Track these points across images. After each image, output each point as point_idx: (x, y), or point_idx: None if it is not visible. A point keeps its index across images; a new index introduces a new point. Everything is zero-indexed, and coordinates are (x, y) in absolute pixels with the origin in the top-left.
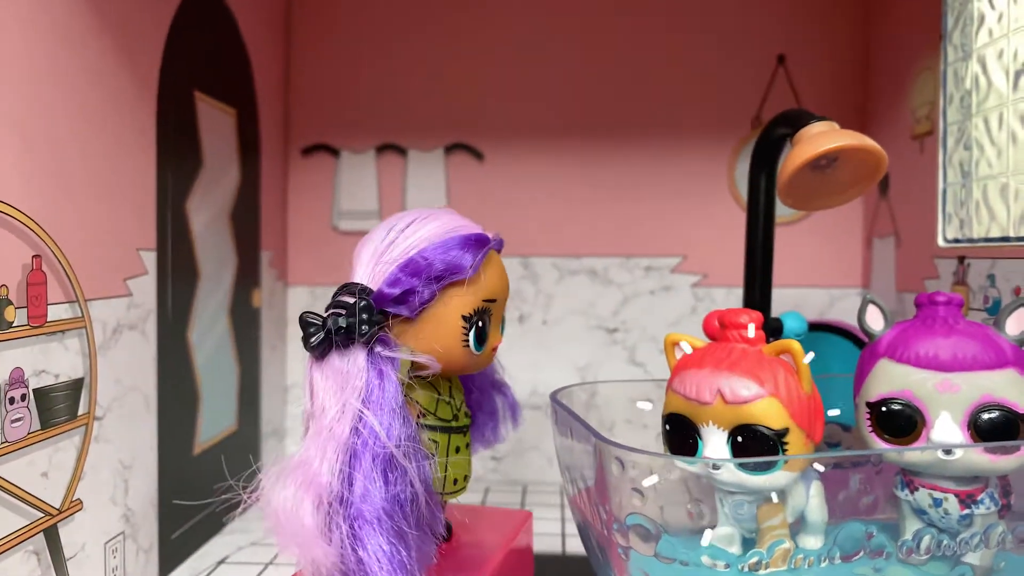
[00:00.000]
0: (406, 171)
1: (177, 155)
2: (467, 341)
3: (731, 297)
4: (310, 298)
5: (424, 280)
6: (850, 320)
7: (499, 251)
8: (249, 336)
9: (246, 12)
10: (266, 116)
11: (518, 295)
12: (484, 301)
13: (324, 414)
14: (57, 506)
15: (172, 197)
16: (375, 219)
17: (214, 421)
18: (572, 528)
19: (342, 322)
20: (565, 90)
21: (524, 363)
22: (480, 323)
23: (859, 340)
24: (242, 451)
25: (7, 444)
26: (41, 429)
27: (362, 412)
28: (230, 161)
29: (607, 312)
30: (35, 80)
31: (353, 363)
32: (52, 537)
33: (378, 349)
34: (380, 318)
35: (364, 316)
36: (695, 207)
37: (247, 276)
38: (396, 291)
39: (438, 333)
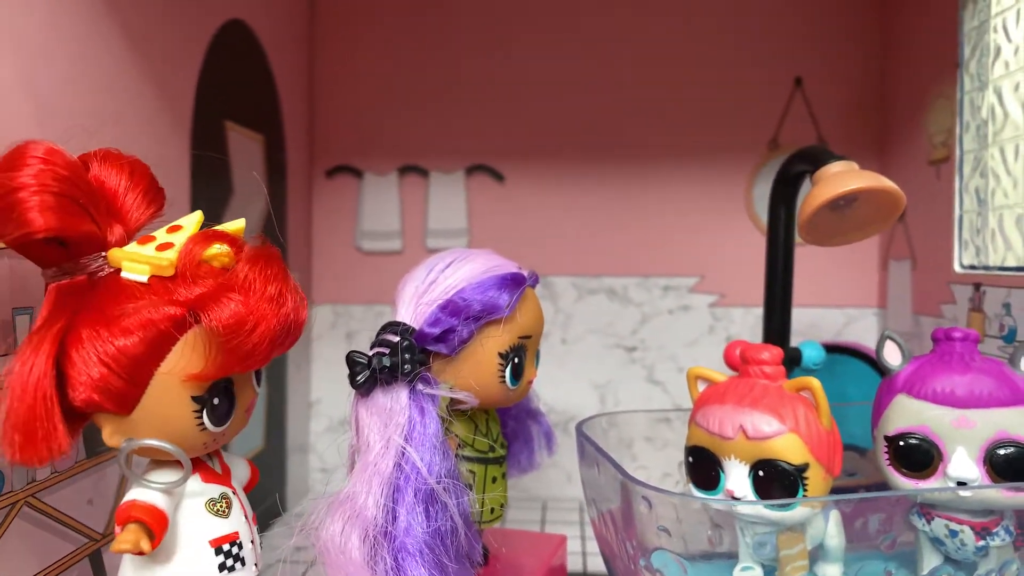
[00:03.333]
0: (428, 192)
1: (209, 184)
2: (503, 377)
3: (749, 317)
4: (333, 316)
5: (463, 320)
6: (865, 342)
7: (534, 286)
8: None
9: (273, 40)
10: (292, 140)
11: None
12: (520, 338)
13: (369, 450)
14: (101, 531)
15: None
16: (397, 239)
17: (243, 441)
18: (593, 547)
19: (386, 361)
20: (584, 112)
21: (543, 381)
22: (516, 359)
23: (875, 363)
24: (270, 469)
25: (57, 474)
26: (87, 458)
27: (405, 448)
28: (258, 186)
29: (626, 331)
30: (82, 117)
31: (396, 400)
32: (96, 562)
33: (420, 387)
34: (422, 357)
35: (407, 355)
36: (713, 228)
37: None
38: (436, 331)
39: (476, 370)
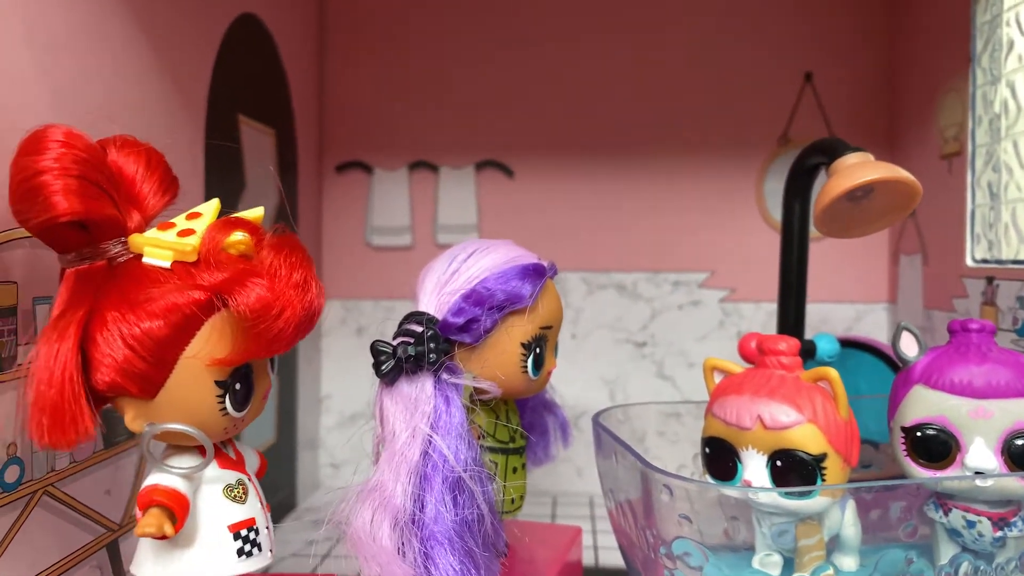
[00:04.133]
0: (438, 187)
1: (223, 178)
2: (526, 367)
3: (759, 312)
4: (343, 312)
5: (487, 309)
6: (876, 337)
7: (553, 278)
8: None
9: (284, 35)
10: (303, 135)
11: None
12: (541, 328)
13: (395, 439)
14: (118, 521)
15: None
16: (407, 234)
17: (256, 435)
18: (605, 540)
19: (411, 351)
20: (594, 107)
21: (553, 376)
22: (538, 350)
23: (886, 357)
24: (281, 462)
25: (76, 464)
26: (104, 448)
27: (431, 437)
28: (270, 180)
29: (635, 326)
30: (95, 108)
31: (421, 390)
32: (113, 551)
33: (444, 376)
34: (446, 346)
35: (432, 345)
36: (723, 223)
37: None
38: (460, 320)
39: (500, 360)
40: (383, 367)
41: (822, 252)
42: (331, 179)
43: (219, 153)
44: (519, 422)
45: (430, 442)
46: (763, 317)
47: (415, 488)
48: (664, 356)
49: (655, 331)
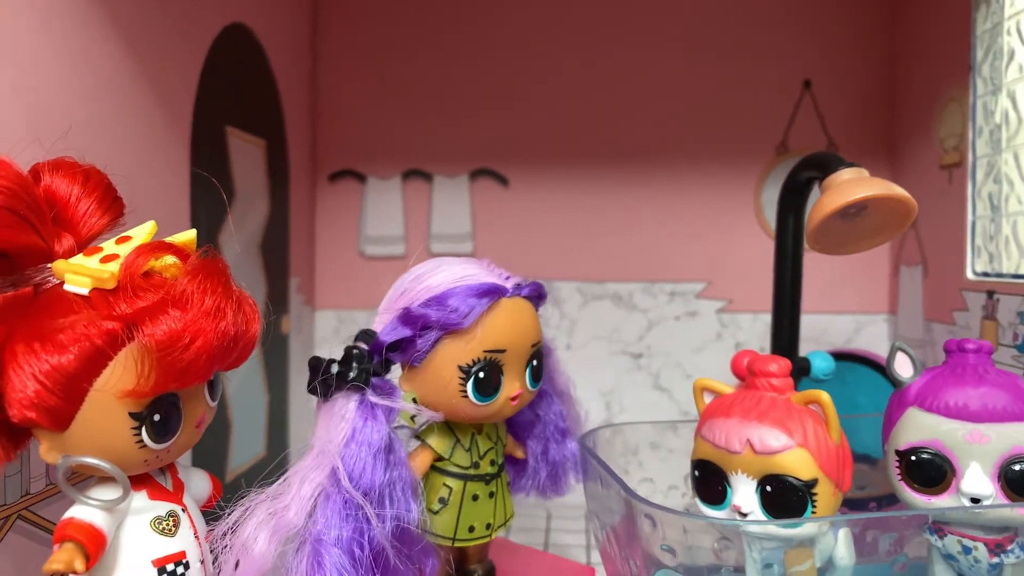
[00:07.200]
0: (432, 197)
1: (210, 191)
2: (465, 391)
3: (757, 323)
4: (336, 322)
5: (419, 329)
6: (876, 349)
7: (529, 297)
8: (278, 362)
9: (275, 44)
10: (294, 144)
11: (542, 320)
12: (487, 352)
13: (310, 452)
14: None
15: (206, 232)
16: (401, 244)
17: (244, 448)
18: (599, 556)
19: (334, 368)
20: (590, 116)
21: None
22: (481, 374)
23: (886, 371)
24: (272, 476)
25: (51, 486)
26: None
27: (342, 454)
28: (260, 191)
29: (631, 337)
30: (76, 122)
31: (345, 407)
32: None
33: (370, 395)
34: (373, 365)
35: (355, 363)
36: (720, 233)
37: (276, 303)
38: (390, 339)
39: (435, 382)
40: (310, 384)
41: (822, 263)
42: (324, 188)
43: (206, 165)
44: (492, 448)
45: (340, 458)
46: (761, 328)
47: (310, 503)
48: (661, 368)
49: (651, 342)
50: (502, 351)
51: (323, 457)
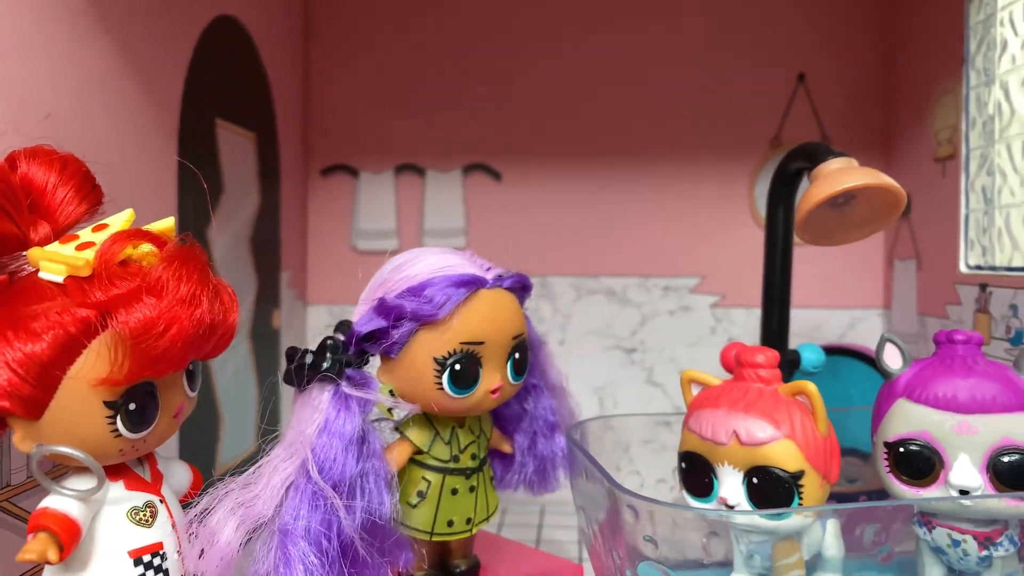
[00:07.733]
0: (424, 191)
1: (198, 183)
2: (440, 383)
3: (751, 318)
4: (328, 317)
5: (393, 320)
6: (870, 343)
7: (512, 289)
8: (269, 356)
9: (265, 36)
10: (285, 138)
11: (535, 314)
12: (464, 344)
13: (283, 442)
14: None
15: (193, 225)
16: (393, 239)
17: (235, 443)
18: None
19: (307, 358)
20: (584, 110)
21: None
22: (457, 366)
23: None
24: None
25: (32, 479)
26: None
27: (313, 445)
28: (250, 184)
29: (625, 332)
30: (61, 114)
31: (319, 397)
32: None
33: (344, 386)
34: (346, 356)
35: (328, 354)
36: (714, 227)
37: (267, 297)
38: (364, 330)
39: (411, 374)
40: (284, 374)
41: (816, 257)
42: (316, 182)
43: (194, 157)
44: (475, 442)
45: (311, 449)
46: (755, 323)
47: (280, 493)
48: (654, 362)
49: (645, 337)
50: (480, 343)
51: (295, 447)
